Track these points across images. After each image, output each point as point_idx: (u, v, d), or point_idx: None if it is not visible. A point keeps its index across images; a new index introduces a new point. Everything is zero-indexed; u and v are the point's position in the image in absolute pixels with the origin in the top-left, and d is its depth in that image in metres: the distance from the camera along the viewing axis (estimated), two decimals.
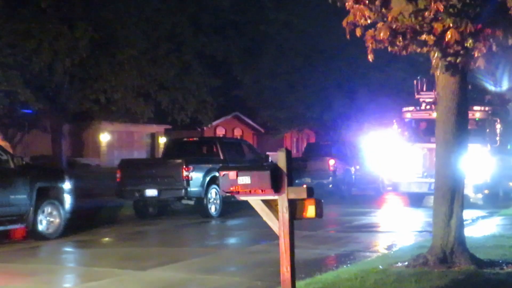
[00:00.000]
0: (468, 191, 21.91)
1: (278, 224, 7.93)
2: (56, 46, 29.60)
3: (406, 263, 11.27)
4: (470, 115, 21.34)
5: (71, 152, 41.85)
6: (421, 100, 24.90)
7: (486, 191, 23.86)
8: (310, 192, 7.87)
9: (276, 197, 7.88)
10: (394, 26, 10.09)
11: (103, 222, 20.05)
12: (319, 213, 7.92)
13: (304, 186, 7.87)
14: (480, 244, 13.31)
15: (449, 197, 11.17)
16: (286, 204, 7.79)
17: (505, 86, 26.56)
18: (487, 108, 24.77)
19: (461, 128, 11.27)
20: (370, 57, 10.76)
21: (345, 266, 12.21)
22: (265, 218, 8.13)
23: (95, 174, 36.96)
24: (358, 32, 10.55)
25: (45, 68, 30.32)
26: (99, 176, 35.05)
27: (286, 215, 7.81)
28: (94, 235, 17.62)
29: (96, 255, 14.95)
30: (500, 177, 24.59)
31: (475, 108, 24.32)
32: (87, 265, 13.69)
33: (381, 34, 10.15)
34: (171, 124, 46.00)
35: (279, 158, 7.90)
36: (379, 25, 10.23)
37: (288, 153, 7.94)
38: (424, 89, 24.48)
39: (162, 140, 51.29)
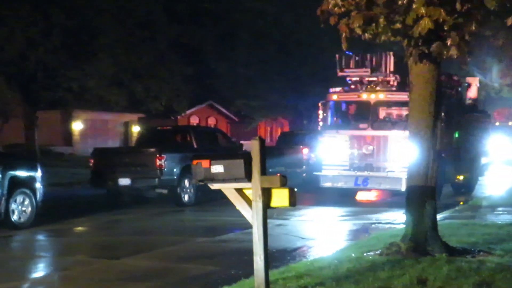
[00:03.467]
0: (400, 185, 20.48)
1: (251, 212, 7.93)
2: (29, 34, 29.34)
3: (379, 251, 11.31)
4: (405, 96, 19.62)
5: (44, 141, 41.55)
6: (347, 78, 22.20)
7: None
8: (284, 180, 7.87)
9: (249, 185, 7.87)
10: (368, 14, 10.08)
11: (76, 211, 19.92)
12: (292, 201, 7.94)
13: (278, 175, 7.87)
14: (453, 232, 13.39)
15: (422, 185, 11.21)
16: (259, 192, 7.79)
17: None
18: None
19: (434, 116, 11.29)
20: (344, 46, 10.76)
21: (318, 255, 12.23)
22: (238, 207, 8.13)
23: (68, 163, 36.78)
24: (332, 20, 10.55)
25: (18, 56, 30.05)
26: (72, 164, 34.89)
27: (260, 204, 7.82)
28: (67, 224, 17.50)
29: (69, 244, 14.87)
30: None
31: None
32: (59, 254, 13.62)
33: (355, 23, 10.14)
34: (145, 113, 45.83)
35: (252, 147, 7.89)
36: (353, 13, 10.22)
37: (262, 142, 7.93)
38: (352, 65, 21.66)
39: (136, 129, 51.09)
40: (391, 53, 21.12)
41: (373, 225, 16.76)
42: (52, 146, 44.47)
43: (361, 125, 22.12)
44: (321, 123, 23.01)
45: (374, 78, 21.78)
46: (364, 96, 21.97)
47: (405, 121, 20.38)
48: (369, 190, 22.48)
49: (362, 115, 22.34)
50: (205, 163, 7.97)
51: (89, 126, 50.47)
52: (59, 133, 48.65)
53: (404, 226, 11.78)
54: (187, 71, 37.86)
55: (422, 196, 11.18)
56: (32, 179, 17.14)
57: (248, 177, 7.81)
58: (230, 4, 43.63)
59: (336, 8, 10.36)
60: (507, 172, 36.62)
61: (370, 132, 21.79)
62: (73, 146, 48.92)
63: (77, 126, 49.61)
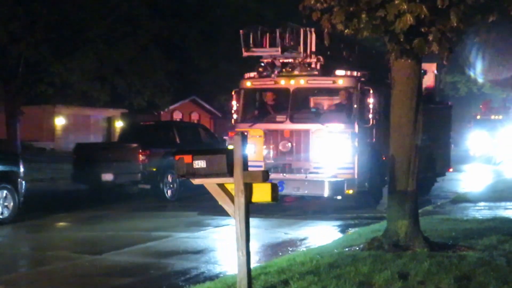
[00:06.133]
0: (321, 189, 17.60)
1: (233, 208, 7.95)
2: (10, 28, 29.18)
3: (361, 246, 11.36)
4: (329, 82, 18.31)
5: (26, 136, 41.35)
6: (261, 61, 18.70)
7: (349, 191, 17.88)
8: (266, 176, 7.90)
9: (231, 180, 7.89)
10: (349, 10, 10.11)
11: (58, 207, 19.87)
12: (274, 196, 7.96)
13: (260, 170, 7.89)
14: (434, 227, 13.47)
15: (404, 180, 11.26)
16: (241, 187, 7.82)
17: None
18: (356, 73, 18.48)
19: (415, 112, 11.34)
20: (326, 42, 10.81)
21: (300, 250, 12.27)
22: (220, 202, 8.14)
23: (50, 158, 36.63)
24: (315, 16, 10.58)
25: None
26: (54, 160, 34.76)
27: (242, 199, 7.84)
28: (49, 220, 17.46)
29: (50, 239, 14.83)
30: (370, 169, 18.55)
31: (338, 72, 18.33)
32: (41, 249, 13.58)
33: (337, 18, 10.17)
34: (128, 108, 45.72)
35: (234, 142, 7.92)
36: (335, 9, 10.25)
37: (244, 137, 7.96)
38: (267, 44, 18.07)
39: (119, 124, 50.97)
40: (312, 29, 17.67)
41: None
42: (34, 141, 44.27)
43: (279, 118, 18.72)
44: (234, 116, 19.31)
45: (290, 60, 18.38)
46: (282, 83, 18.52)
47: (330, 113, 18.89)
48: (287, 197, 19.05)
49: (281, 105, 18.94)
50: (187, 158, 7.98)
51: (71, 121, 50.29)
52: (41, 128, 48.42)
53: (385, 221, 11.84)
54: (170, 67, 37.77)
55: (404, 191, 11.22)
56: (14, 174, 17.07)
57: (230, 172, 7.83)
58: None
59: (318, 4, 10.38)
60: (487, 168, 36.79)
61: (288, 126, 18.32)
62: (55, 141, 48.73)
63: (59, 121, 49.42)
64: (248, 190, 7.87)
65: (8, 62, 31.12)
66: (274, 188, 8.01)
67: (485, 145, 43.06)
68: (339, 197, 18.01)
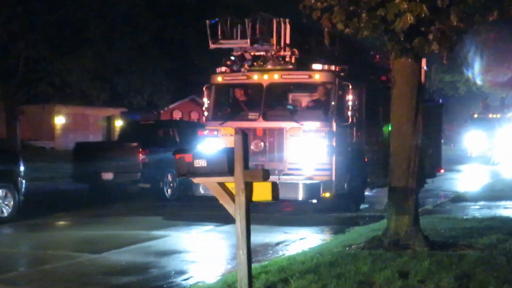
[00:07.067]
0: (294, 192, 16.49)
1: (234, 207, 7.96)
2: (10, 28, 29.20)
3: (361, 245, 11.37)
4: (305, 77, 17.32)
5: (26, 135, 41.39)
6: (233, 53, 17.69)
7: (326, 194, 16.74)
8: (266, 175, 7.91)
9: (232, 179, 7.90)
10: (350, 9, 10.13)
11: (58, 206, 19.88)
12: (275, 195, 7.97)
13: (260, 168, 7.91)
14: (434, 226, 13.48)
15: (404, 179, 11.26)
16: (242, 186, 7.82)
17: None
18: (334, 68, 17.34)
19: (415, 111, 11.34)
20: (326, 41, 10.80)
21: (300, 249, 12.28)
22: (221, 201, 8.15)
23: (49, 157, 36.64)
24: (315, 15, 10.59)
25: None
26: (54, 159, 34.76)
27: (242, 198, 7.85)
28: (49, 219, 17.46)
29: (50, 238, 14.83)
30: (350, 170, 17.52)
31: (314, 67, 17.27)
32: (42, 248, 13.58)
33: (337, 17, 10.18)
34: (127, 107, 45.74)
35: (235, 141, 7.93)
36: (336, 8, 10.26)
37: (245, 136, 7.97)
38: (238, 36, 16.85)
39: (118, 123, 50.99)
40: (287, 20, 16.82)
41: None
42: (33, 141, 44.31)
43: (251, 115, 17.63)
44: (206, 113, 18.41)
45: (262, 53, 17.30)
46: (255, 77, 17.44)
47: (306, 110, 17.99)
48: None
49: (254, 101, 17.95)
50: (188, 157, 7.99)
51: (71, 121, 50.33)
52: (40, 128, 48.47)
53: (385, 220, 11.84)
54: (170, 66, 37.79)
55: (404, 190, 11.23)
56: (14, 173, 17.07)
57: (231, 171, 7.84)
58: None
59: (318, 3, 10.39)
60: (485, 168, 36.65)
61: (261, 124, 17.22)
62: (55, 140, 48.77)
63: (58, 120, 49.44)
64: (248, 189, 7.88)
65: (8, 61, 31.14)
66: (275, 187, 8.02)
67: (482, 144, 42.52)
68: (314, 201, 17.11)
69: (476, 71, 43.45)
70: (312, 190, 16.49)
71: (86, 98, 38.04)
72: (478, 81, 45.96)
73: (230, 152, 7.93)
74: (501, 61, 41.51)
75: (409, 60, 11.04)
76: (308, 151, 16.72)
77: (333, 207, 17.69)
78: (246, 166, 7.88)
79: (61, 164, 29.42)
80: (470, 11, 10.15)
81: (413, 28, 10.08)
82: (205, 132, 17.81)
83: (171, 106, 51.27)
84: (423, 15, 9.72)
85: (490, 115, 45.52)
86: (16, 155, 19.10)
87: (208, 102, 18.14)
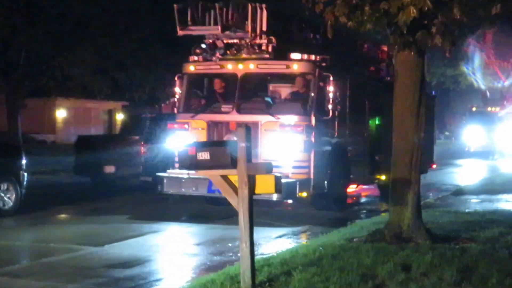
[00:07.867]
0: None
1: (237, 199, 7.97)
2: (12, 21, 29.18)
3: (364, 238, 11.38)
4: (283, 67, 16.19)
5: (27, 129, 41.38)
6: (205, 41, 16.37)
7: (303, 194, 15.57)
8: (269, 168, 7.93)
9: (235, 172, 7.91)
10: (353, 2, 10.13)
11: (60, 199, 19.88)
12: (278, 188, 7.99)
13: (264, 162, 7.92)
14: (436, 219, 13.50)
15: (406, 173, 11.27)
16: (245, 179, 7.83)
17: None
18: (314, 58, 16.21)
19: (418, 104, 11.34)
20: (330, 34, 10.79)
21: (303, 242, 12.30)
22: (224, 193, 8.17)
23: (51, 151, 36.65)
24: (318, 8, 10.58)
25: (0, 43, 29.92)
26: (56, 152, 34.77)
27: (245, 191, 7.86)
28: (50, 212, 17.46)
29: (53, 231, 14.83)
30: (331, 168, 16.43)
31: (293, 56, 16.03)
32: (44, 241, 13.58)
33: (340, 10, 10.18)
34: (129, 101, 45.73)
35: (238, 134, 7.95)
36: (339, 1, 10.25)
37: (248, 129, 7.99)
38: (211, 23, 15.86)
39: (120, 117, 50.98)
40: (263, 5, 15.77)
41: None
42: (35, 134, 44.30)
43: (224, 108, 16.58)
44: (176, 105, 17.39)
45: (236, 41, 16.17)
46: (229, 67, 16.30)
47: (283, 103, 17.03)
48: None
49: (229, 93, 16.89)
50: (191, 150, 8.00)
51: (72, 114, 50.35)
52: (42, 121, 48.50)
53: (387, 213, 11.85)
54: (171, 59, 37.72)
55: (406, 184, 11.23)
56: (16, 167, 17.08)
57: (234, 164, 7.85)
58: None
59: None
60: (485, 163, 36.49)
61: (234, 117, 16.05)
62: (56, 134, 48.79)
63: (60, 114, 49.46)
64: (251, 182, 7.89)
65: (9, 55, 31.10)
66: (278, 180, 8.03)
67: (480, 139, 41.87)
68: (289, 201, 16.43)
69: (476, 64, 43.35)
70: (288, 189, 14.89)
71: (87, 92, 38.02)
72: (478, 75, 45.84)
73: (233, 145, 7.94)
74: (503, 54, 41.50)
75: (412, 53, 11.03)
76: (284, 147, 15.54)
77: (311, 207, 16.93)
78: (249, 158, 7.89)
79: (63, 158, 29.42)
80: (473, 5, 10.14)
81: (416, 22, 10.07)
82: (175, 126, 16.72)
83: (172, 100, 51.24)
84: (426, 8, 9.71)
85: (489, 109, 44.95)
86: (18, 148, 19.09)
87: (180, 92, 17.10)
